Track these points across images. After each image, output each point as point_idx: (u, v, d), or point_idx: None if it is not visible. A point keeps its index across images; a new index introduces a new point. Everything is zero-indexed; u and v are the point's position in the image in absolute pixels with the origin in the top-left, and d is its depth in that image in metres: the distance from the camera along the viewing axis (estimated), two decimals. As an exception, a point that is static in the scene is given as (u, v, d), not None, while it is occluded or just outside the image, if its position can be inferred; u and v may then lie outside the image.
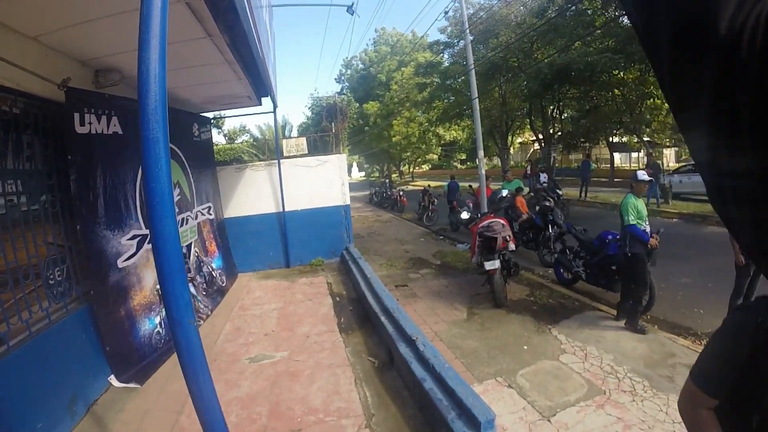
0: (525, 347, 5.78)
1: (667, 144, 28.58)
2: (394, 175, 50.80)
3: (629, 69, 18.22)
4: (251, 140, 27.87)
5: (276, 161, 10.87)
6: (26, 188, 4.66)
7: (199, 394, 2.11)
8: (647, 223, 6.14)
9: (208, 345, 6.42)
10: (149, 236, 6.03)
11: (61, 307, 4.91)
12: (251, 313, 7.78)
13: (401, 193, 23.91)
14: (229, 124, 30.16)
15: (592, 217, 15.70)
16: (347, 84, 51.71)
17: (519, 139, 41.06)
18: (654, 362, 5.15)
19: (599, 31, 17.13)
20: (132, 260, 5.99)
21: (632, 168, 32.90)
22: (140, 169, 6.24)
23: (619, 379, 4.83)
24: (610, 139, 28.04)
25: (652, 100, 20.13)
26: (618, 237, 7.02)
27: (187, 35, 5.15)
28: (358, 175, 76.94)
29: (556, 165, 27.40)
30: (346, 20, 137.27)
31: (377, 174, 59.29)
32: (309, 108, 39.61)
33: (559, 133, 26.04)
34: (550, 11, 19.49)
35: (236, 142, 28.95)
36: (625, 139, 30.53)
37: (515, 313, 6.90)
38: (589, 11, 18.08)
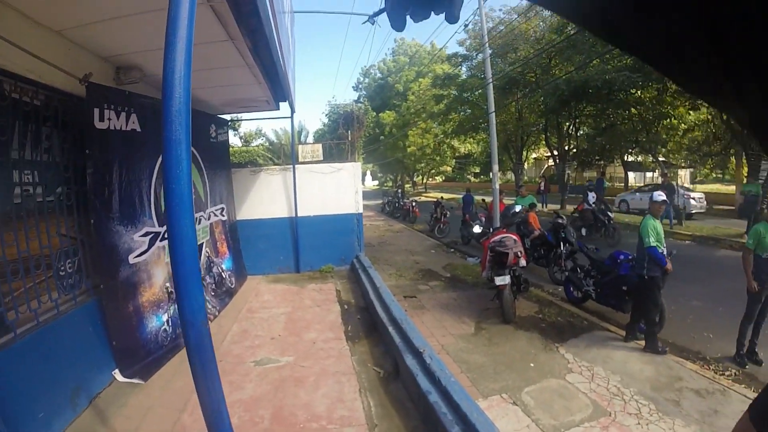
0: (532, 364, 5.74)
1: (682, 165, 28.41)
2: (407, 186, 50.76)
3: (647, 88, 18.13)
4: (267, 144, 27.97)
5: (291, 166, 10.91)
6: (43, 179, 4.76)
7: (206, 395, 2.11)
8: (665, 245, 6.10)
9: (215, 346, 6.38)
10: (161, 234, 6.18)
11: (70, 299, 5.01)
12: (259, 316, 7.79)
13: (414, 203, 23.89)
14: (245, 127, 30.19)
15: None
16: (364, 92, 51.79)
17: (533, 155, 40.97)
18: (661, 385, 5.10)
19: (618, 49, 17.04)
20: (143, 257, 6.04)
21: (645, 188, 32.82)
22: (156, 167, 6.35)
23: (625, 401, 4.78)
24: (625, 157, 27.90)
25: (668, 120, 20.03)
26: (630, 257, 6.98)
27: (209, 37, 5.20)
28: (371, 183, 76.99)
29: (570, 182, 27.25)
30: (366, 29, 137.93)
31: (390, 183, 59.29)
32: (326, 115, 39.66)
33: (574, 150, 25.94)
34: (569, 28, 19.45)
35: (252, 145, 29.07)
36: (640, 158, 30.39)
37: (523, 330, 6.86)
38: None
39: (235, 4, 4.37)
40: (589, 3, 0.52)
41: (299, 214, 10.92)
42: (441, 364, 4.68)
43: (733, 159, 23.35)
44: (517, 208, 9.81)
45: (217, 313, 7.88)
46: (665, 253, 6.04)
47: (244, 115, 13.60)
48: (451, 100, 28.92)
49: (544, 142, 28.44)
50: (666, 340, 6.27)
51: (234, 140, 28.67)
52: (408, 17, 0.92)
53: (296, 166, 10.99)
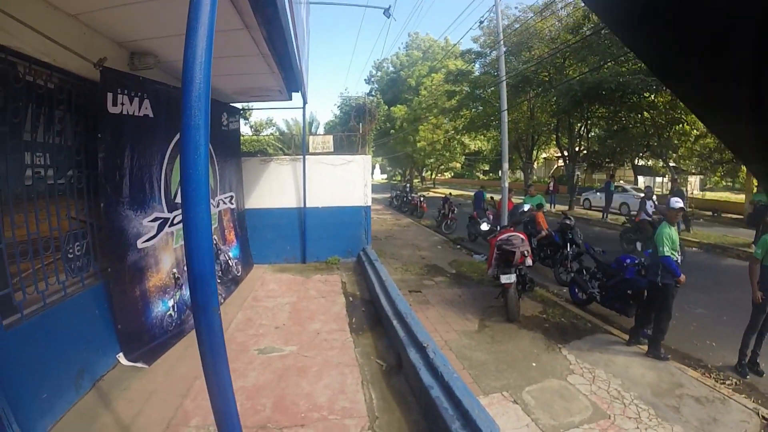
0: (533, 364, 5.76)
1: (693, 171, 28.23)
2: (415, 181, 50.70)
3: (660, 92, 17.98)
4: (277, 134, 27.95)
5: (301, 156, 10.93)
6: (54, 162, 4.79)
7: (214, 381, 2.15)
8: (679, 252, 6.07)
9: None
10: (170, 220, 6.24)
11: (77, 282, 5.07)
12: (264, 305, 7.83)
13: (422, 198, 23.90)
14: (256, 116, 30.17)
15: (612, 239, 15.57)
16: (376, 86, 51.68)
17: (543, 155, 40.81)
18: (662, 391, 5.11)
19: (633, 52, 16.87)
20: (151, 242, 6.10)
21: (656, 193, 32.61)
22: (167, 153, 6.42)
23: (625, 405, 4.80)
24: (636, 161, 27.75)
25: (681, 125, 19.87)
26: (636, 261, 6.96)
27: (225, 26, 5.18)
28: (380, 177, 76.97)
29: (579, 183, 27.15)
30: (380, 22, 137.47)
31: (399, 177, 59.28)
32: (338, 107, 39.68)
33: (585, 152, 25.80)
34: (585, 28, 19.34)
35: (262, 134, 29.06)
36: (650, 162, 30.20)
37: (526, 329, 6.87)
38: None
39: (253, -7, 4.39)
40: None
41: (308, 205, 10.95)
42: (444, 360, 4.70)
43: (743, 168, 23.20)
44: (526, 207, 9.78)
45: (222, 301, 7.90)
46: (680, 261, 6.01)
47: (256, 105, 13.62)
48: (463, 96, 28.78)
49: (554, 142, 28.30)
50: (668, 346, 6.26)
51: (244, 129, 28.73)
52: None
53: (306, 156, 11.01)
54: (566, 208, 22.80)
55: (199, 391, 4.86)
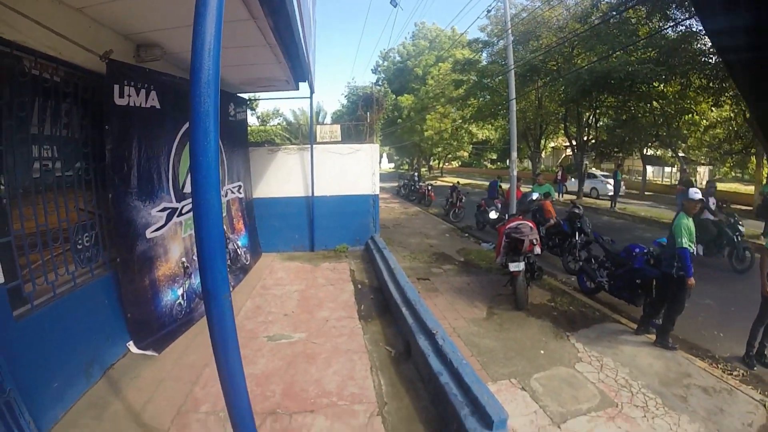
0: (542, 351, 5.77)
1: (702, 161, 28.11)
2: (423, 170, 50.57)
3: (670, 82, 17.85)
4: (284, 124, 27.95)
5: (308, 146, 10.94)
6: (61, 154, 4.81)
7: (226, 368, 2.17)
8: (695, 243, 5.99)
9: None
10: (179, 210, 6.30)
11: (86, 272, 5.12)
12: (272, 293, 7.88)
13: (429, 187, 23.85)
14: (263, 107, 30.18)
15: (620, 228, 15.52)
16: (383, 75, 51.51)
17: (551, 144, 40.65)
18: (669, 380, 5.11)
19: (642, 41, 16.79)
20: (160, 232, 6.14)
21: (664, 183, 32.44)
22: (174, 144, 6.46)
23: (632, 394, 4.80)
24: (645, 151, 27.62)
25: (690, 115, 19.75)
26: (645, 251, 6.93)
27: (231, 16, 5.16)
28: (387, 166, 76.86)
29: (587, 173, 27.02)
30: (387, 11, 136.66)
31: (407, 166, 59.19)
32: (345, 96, 39.60)
33: (593, 141, 25.68)
34: (593, 17, 19.18)
35: (269, 124, 29.05)
36: (659, 152, 30.03)
37: (535, 317, 6.88)
38: (633, 20, 17.69)
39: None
40: None
41: (316, 194, 10.97)
42: (453, 346, 4.73)
43: (753, 159, 23.06)
44: (534, 196, 9.76)
45: (231, 289, 7.83)
46: (695, 252, 5.95)
47: (262, 95, 13.56)
48: (471, 85, 28.68)
49: (562, 132, 28.19)
50: (676, 336, 6.23)
51: (251, 120, 28.72)
52: None
53: (314, 145, 11.02)
54: (575, 197, 22.76)
55: (208, 378, 4.92)
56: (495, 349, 5.81)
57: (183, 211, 6.72)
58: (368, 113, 14.66)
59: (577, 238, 9.61)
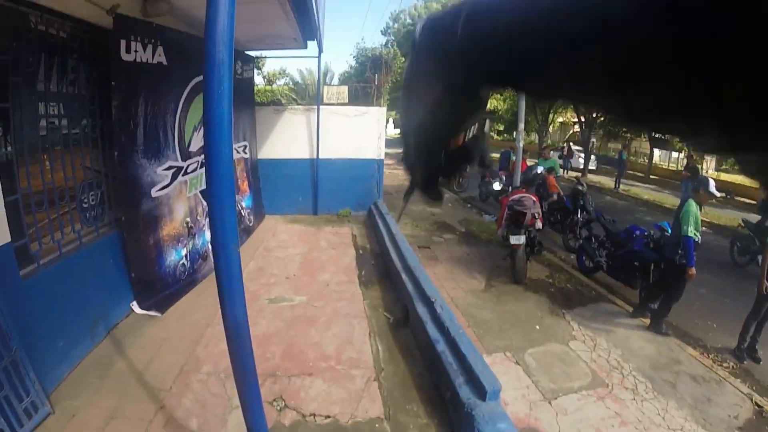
0: (537, 327, 5.86)
1: (710, 150, 27.83)
2: (430, 137, 50.22)
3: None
4: (291, 84, 27.65)
5: (315, 107, 10.82)
6: (68, 112, 4.78)
7: (232, 319, 2.23)
8: (699, 232, 5.92)
9: None
10: (184, 169, 6.30)
11: (92, 231, 5.14)
12: (275, 255, 7.95)
13: (435, 154, 23.65)
14: (269, 66, 29.80)
15: (623, 210, 15.53)
16: (393, 38, 50.82)
17: (560, 119, 40.26)
18: (660, 365, 5.19)
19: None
20: (165, 191, 6.13)
21: (670, 167, 32.20)
22: (181, 101, 6.42)
23: (623, 375, 4.89)
24: (653, 133, 27.37)
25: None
26: (646, 233, 6.95)
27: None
28: (393, 132, 76.38)
29: (594, 150, 26.78)
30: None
31: (413, 132, 58.81)
32: (354, 57, 39.15)
33: (602, 119, 25.42)
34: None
35: (275, 84, 28.75)
36: (667, 136, 29.70)
37: (532, 292, 6.95)
38: None
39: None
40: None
41: (321, 156, 10.90)
42: (451, 315, 4.77)
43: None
44: (539, 170, 9.73)
45: None
46: (699, 241, 5.89)
47: (269, 53, 13.42)
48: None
49: (571, 107, 27.93)
50: (670, 322, 6.27)
51: (257, 80, 28.40)
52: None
53: (321, 107, 10.91)
54: (579, 174, 22.69)
55: (210, 338, 5.02)
56: (491, 321, 5.89)
57: (188, 170, 6.72)
58: (376, 75, 14.52)
59: (578, 216, 9.62)
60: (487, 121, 0.95)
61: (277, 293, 6.30)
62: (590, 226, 9.25)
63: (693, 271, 5.75)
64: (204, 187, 6.98)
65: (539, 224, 7.47)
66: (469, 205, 14.46)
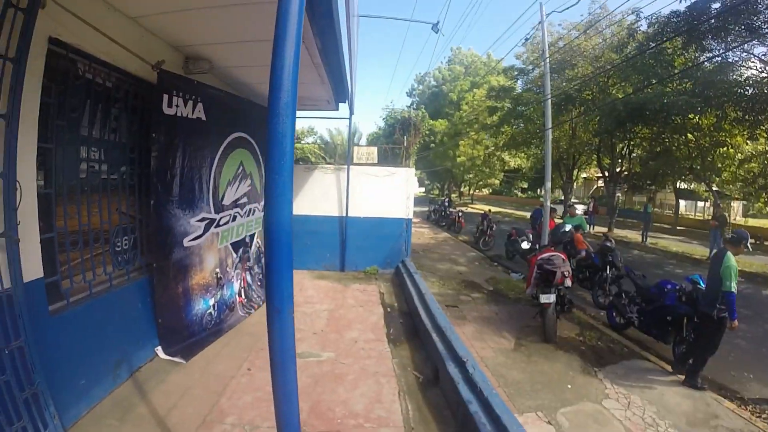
0: (569, 386, 5.73)
1: (736, 196, 27.53)
2: (453, 195, 50.52)
3: (705, 113, 17.48)
4: (320, 143, 28.17)
5: (344, 166, 11.07)
6: (108, 158, 5.03)
7: (282, 383, 2.25)
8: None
9: (257, 334, 6.69)
10: (216, 221, 6.49)
11: (123, 274, 5.31)
12: (302, 311, 7.93)
13: (460, 213, 23.82)
14: (297, 125, 30.34)
15: (651, 263, 15.32)
16: (418, 99, 51.89)
17: (583, 174, 40.27)
18: (696, 421, 5.04)
19: (678, 72, 16.58)
20: (197, 241, 6.29)
21: (697, 217, 31.88)
22: (217, 156, 6.66)
23: (658, 433, 4.74)
24: (678, 184, 27.20)
25: (725, 148, 19.37)
26: (677, 287, 6.83)
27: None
28: (418, 190, 76.77)
29: (619, 205, 26.59)
30: (424, 35, 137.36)
31: (437, 191, 59.17)
32: (383, 119, 39.88)
33: (626, 173, 25.34)
34: (629, 47, 19.05)
35: (303, 142, 29.29)
36: (693, 186, 29.50)
37: (563, 351, 6.83)
38: (669, 49, 17.43)
39: (310, 4, 4.50)
40: None
41: (349, 214, 11.07)
42: (483, 375, 4.73)
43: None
44: (567, 228, 9.69)
45: (261, 303, 8.07)
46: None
47: (302, 114, 13.76)
48: (505, 112, 28.55)
49: (595, 162, 27.94)
50: (705, 376, 6.11)
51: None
52: None
53: (351, 166, 11.15)
54: (606, 230, 22.51)
55: (235, 389, 5.02)
56: (522, 381, 5.78)
57: (221, 223, 6.89)
58: (405, 137, 14.77)
59: (608, 272, 9.52)
60: None
61: (305, 348, 6.27)
62: (620, 282, 9.13)
63: (736, 323, 5.66)
64: (236, 239, 7.34)
65: (569, 282, 7.41)
66: (495, 264, 14.37)
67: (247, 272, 8.11)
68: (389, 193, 11.31)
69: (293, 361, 2.24)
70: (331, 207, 11.13)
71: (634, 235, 22.51)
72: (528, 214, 16.77)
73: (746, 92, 14.89)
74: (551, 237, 10.00)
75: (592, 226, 23.97)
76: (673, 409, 5.25)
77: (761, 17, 13.39)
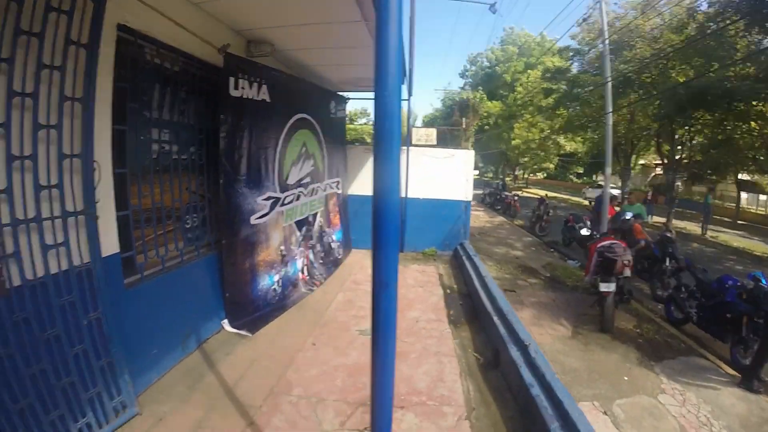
0: (625, 378, 5.75)
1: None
2: (507, 179, 50.00)
3: (770, 100, 16.73)
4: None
5: (404, 147, 11.03)
6: (177, 139, 5.35)
7: (383, 353, 2.43)
8: None
9: (320, 310, 6.91)
10: (281, 200, 6.72)
11: (193, 250, 5.66)
12: (363, 288, 8.11)
13: (516, 198, 23.72)
14: (350, 105, 30.51)
15: (711, 258, 14.97)
16: (470, 80, 51.19)
17: (641, 161, 39.18)
18: (751, 425, 4.97)
19: (740, 56, 15.90)
20: (264, 219, 6.55)
21: (759, 211, 30.78)
22: (281, 137, 6.91)
23: (711, 433, 4.74)
24: (740, 175, 26.29)
25: (789, 139, 18.48)
26: (739, 284, 6.63)
27: (343, 17, 5.54)
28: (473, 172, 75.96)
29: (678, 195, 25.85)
30: (477, 15, 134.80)
31: (491, 174, 58.53)
32: (441, 100, 39.59)
33: (686, 161, 24.52)
34: (689, 27, 18.34)
35: (355, 123, 29.35)
36: (755, 177, 28.43)
37: (620, 341, 6.81)
38: (731, 31, 16.59)
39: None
40: None
41: (408, 195, 11.12)
42: (545, 360, 4.78)
43: None
44: (628, 216, 9.56)
45: (323, 281, 8.33)
46: None
47: (354, 94, 13.81)
48: (561, 95, 27.88)
49: (653, 148, 27.15)
50: (763, 378, 5.95)
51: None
52: None
53: (410, 147, 11.23)
54: (665, 219, 21.99)
55: (301, 363, 5.22)
56: (579, 370, 5.85)
57: (285, 202, 7.12)
58: (464, 119, 14.73)
59: (667, 264, 9.39)
60: None
61: (367, 325, 6.29)
62: (679, 275, 8.96)
63: None
64: (299, 217, 7.58)
65: (628, 272, 7.36)
66: (552, 250, 14.30)
67: (310, 250, 8.31)
68: (449, 175, 11.31)
69: (394, 333, 2.40)
70: (390, 188, 11.09)
71: (693, 227, 21.97)
72: (588, 200, 16.43)
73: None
74: (611, 224, 9.92)
75: (650, 216, 23.44)
76: (728, 410, 5.20)
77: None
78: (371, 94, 11.92)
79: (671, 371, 6.03)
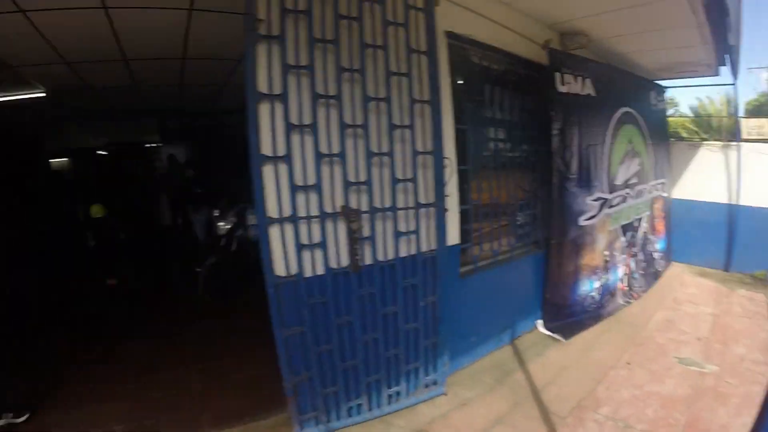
0: None
1: None
2: None
3: None
4: (691, 115, 25.07)
5: (732, 143, 9.26)
6: (508, 137, 5.67)
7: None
8: None
9: (637, 327, 6.42)
10: (609, 201, 6.76)
11: (521, 247, 5.92)
12: (684, 310, 7.14)
13: None
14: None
15: None
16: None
17: None
18: None
19: None
20: (592, 221, 6.44)
21: None
22: (608, 133, 6.78)
23: None
24: None
25: None
26: None
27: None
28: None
29: None
30: None
31: None
32: (768, 80, 33.79)
33: None
34: None
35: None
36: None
37: None
38: None
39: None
40: None
41: (741, 202, 9.12)
42: None
43: None
44: None
45: (641, 294, 7.70)
46: None
47: (669, 82, 12.16)
48: None
49: None
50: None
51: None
52: None
53: (741, 143, 9.30)
54: None
55: (613, 381, 4.86)
56: None
57: (613, 204, 6.88)
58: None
59: None
60: None
61: (687, 354, 5.58)
62: None
63: None
64: (625, 221, 7.45)
65: None
66: None
67: (632, 258, 7.78)
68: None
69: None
70: (716, 192, 9.33)
71: None
72: None
73: None
74: None
75: None
76: None
77: None
78: (684, 82, 10.59)
79: None
